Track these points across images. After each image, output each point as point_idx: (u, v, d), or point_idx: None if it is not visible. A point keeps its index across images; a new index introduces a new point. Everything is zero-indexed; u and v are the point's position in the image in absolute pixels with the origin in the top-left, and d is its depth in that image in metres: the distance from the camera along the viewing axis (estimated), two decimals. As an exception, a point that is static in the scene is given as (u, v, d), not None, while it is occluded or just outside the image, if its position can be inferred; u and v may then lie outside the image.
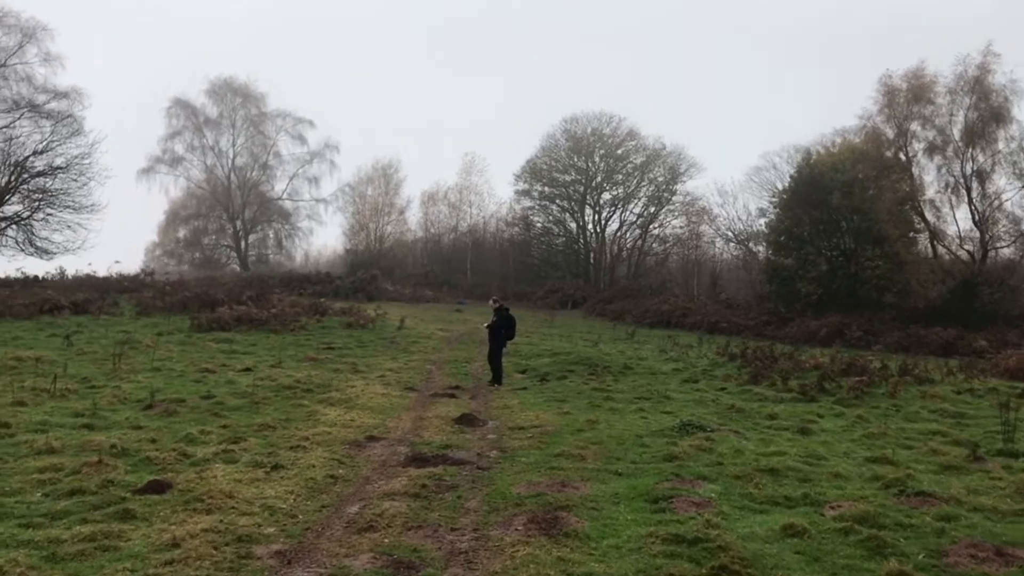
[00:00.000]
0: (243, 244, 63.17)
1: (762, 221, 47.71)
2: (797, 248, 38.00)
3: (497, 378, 16.76)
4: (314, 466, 8.58)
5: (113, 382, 14.29)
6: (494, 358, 16.90)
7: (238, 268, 60.00)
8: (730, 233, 51.35)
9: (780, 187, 44.73)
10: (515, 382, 17.34)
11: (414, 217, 62.59)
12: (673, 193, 54.11)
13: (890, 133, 40.94)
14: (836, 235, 38.14)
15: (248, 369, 17.03)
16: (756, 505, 8.06)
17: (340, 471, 8.60)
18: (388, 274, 50.47)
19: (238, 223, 62.90)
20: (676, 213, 54.36)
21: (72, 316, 27.46)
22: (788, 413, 13.79)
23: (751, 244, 50.66)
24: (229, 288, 35.94)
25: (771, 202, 45.41)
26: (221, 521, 6.51)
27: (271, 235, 65.99)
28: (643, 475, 8.87)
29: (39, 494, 7.16)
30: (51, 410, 11.06)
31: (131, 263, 69.17)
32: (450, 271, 55.28)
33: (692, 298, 44.07)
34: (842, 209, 36.43)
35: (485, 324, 17.70)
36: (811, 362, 20.43)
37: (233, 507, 6.93)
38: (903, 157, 40.70)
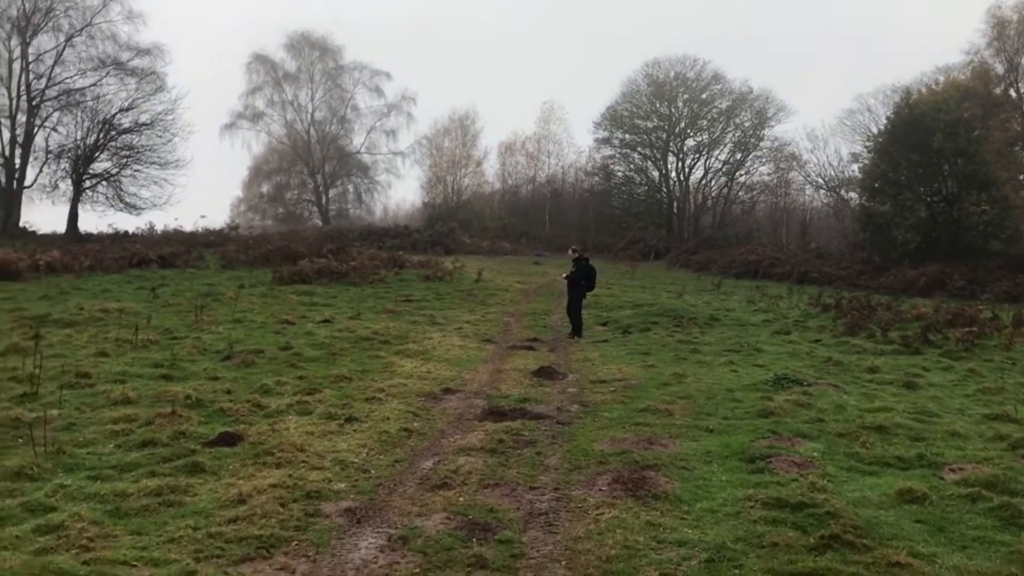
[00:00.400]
0: (323, 199, 63.88)
1: (855, 167, 45.42)
2: (894, 194, 35.88)
3: (577, 330, 16.21)
4: (388, 418, 8.25)
5: (194, 333, 14.35)
6: (573, 310, 16.33)
7: (319, 222, 60.80)
8: (820, 180, 49.03)
9: (875, 130, 42.27)
10: (596, 334, 16.76)
11: (491, 168, 62.10)
12: (760, 139, 51.84)
13: (999, 68, 38.08)
14: (937, 179, 35.78)
15: (327, 321, 16.94)
16: (864, 466, 7.33)
17: (415, 424, 8.26)
18: (466, 227, 50.22)
19: (318, 178, 63.56)
20: (764, 160, 52.14)
21: (159, 269, 28.13)
22: (890, 366, 12.84)
23: (843, 191, 48.34)
24: (310, 242, 36.29)
25: (865, 146, 43.01)
26: (290, 476, 6.23)
27: (350, 189, 66.58)
28: (736, 432, 8.22)
29: (111, 445, 7.04)
30: (131, 361, 11.08)
31: (216, 218, 71.11)
32: (528, 223, 54.65)
33: (781, 248, 42.32)
34: (944, 152, 34.05)
35: (563, 275, 17.12)
36: (912, 312, 19.19)
37: (304, 461, 6.66)
38: (1013, 94, 37.85)
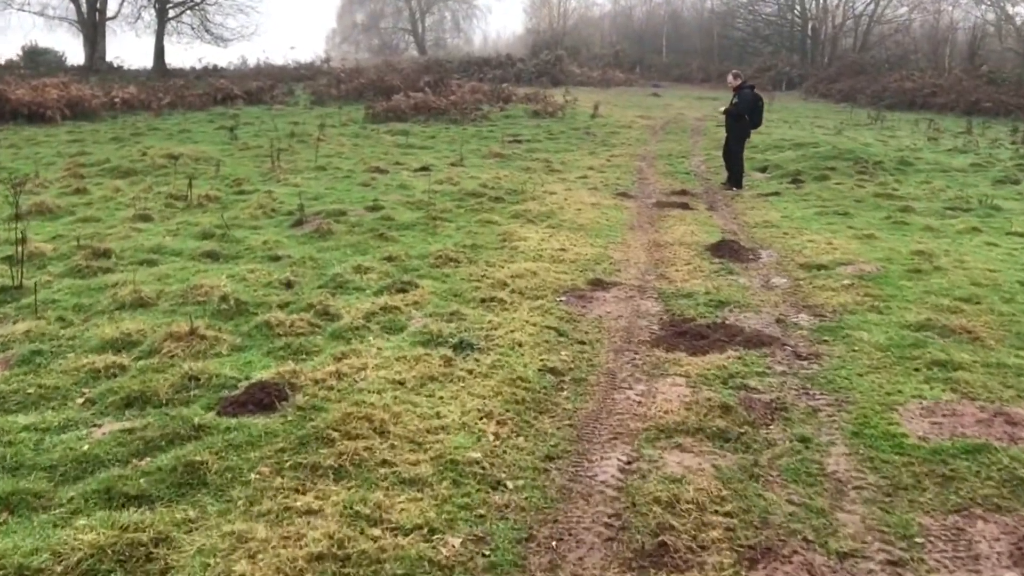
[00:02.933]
0: (420, 27, 59.60)
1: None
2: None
3: (736, 179, 12.83)
4: (520, 345, 5.16)
5: (267, 185, 11.79)
6: (733, 153, 12.86)
7: (415, 53, 56.92)
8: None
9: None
10: (757, 184, 13.32)
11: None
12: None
13: None
14: None
15: (425, 168, 14.10)
16: None
17: (563, 356, 5.09)
18: (573, 55, 45.53)
19: (414, 3, 59.03)
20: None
21: (245, 107, 25.70)
22: None
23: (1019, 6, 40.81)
24: (405, 74, 33.09)
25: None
26: (354, 520, 3.14)
27: (448, 16, 61.93)
28: None
29: (80, 400, 4.28)
30: (176, 228, 8.54)
31: (311, 50, 68.02)
32: (642, 50, 49.32)
33: (942, 73, 36.26)
34: None
35: (721, 108, 13.47)
36: None
37: (384, 465, 3.58)
38: None
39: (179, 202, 10.04)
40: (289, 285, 6.31)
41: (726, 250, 7.94)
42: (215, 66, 35.97)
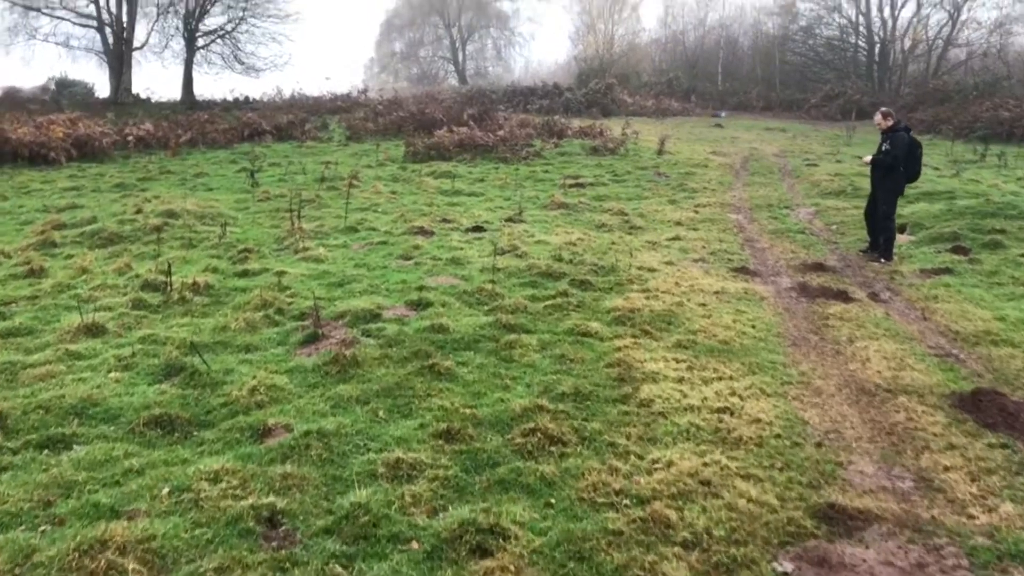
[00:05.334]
0: (460, 55, 57.46)
1: None
2: None
3: (885, 249, 9.86)
4: None
5: (281, 260, 9.16)
6: (882, 215, 9.88)
7: (455, 82, 54.72)
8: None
9: None
10: (905, 251, 10.34)
11: (651, 13, 53.56)
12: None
13: None
14: None
15: (479, 228, 11.40)
16: None
17: None
18: (623, 83, 42.82)
19: (454, 31, 56.94)
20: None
21: (274, 143, 23.34)
22: None
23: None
24: (447, 106, 30.68)
25: None
26: None
27: (489, 44, 59.71)
28: None
29: None
30: (132, 354, 5.73)
31: (350, 81, 66.49)
32: (695, 77, 46.40)
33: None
34: None
35: (863, 158, 10.49)
36: None
37: None
38: None
39: (155, 295, 7.36)
40: (273, 524, 3.50)
41: (990, 410, 4.97)
42: (246, 97, 33.92)
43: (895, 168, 9.64)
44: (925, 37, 43.56)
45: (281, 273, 8.26)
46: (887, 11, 43.95)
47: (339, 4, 67.98)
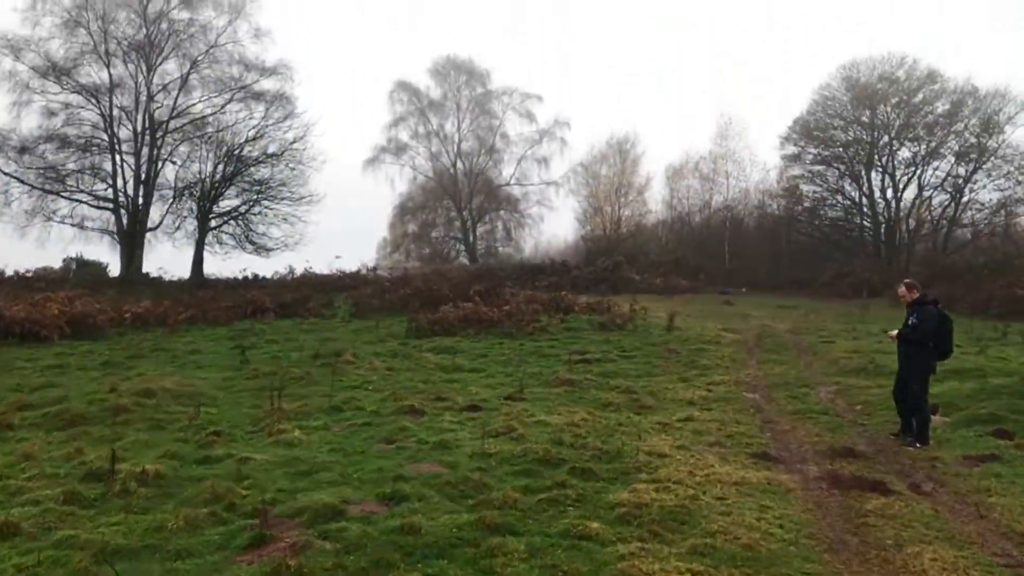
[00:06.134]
0: (471, 236, 58.70)
1: None
2: None
3: (921, 432, 8.90)
4: None
5: (251, 444, 8.31)
6: (913, 395, 8.99)
7: (466, 262, 55.56)
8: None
9: None
10: (942, 434, 9.37)
11: (657, 196, 55.04)
12: (998, 144, 41.60)
13: None
14: None
15: (475, 407, 10.58)
16: None
17: None
18: (631, 262, 43.19)
19: (465, 213, 58.50)
20: (1009, 169, 41.63)
21: (276, 320, 22.98)
22: None
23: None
24: (455, 282, 30.62)
25: None
26: None
27: (499, 226, 60.98)
28: None
29: None
30: (37, 562, 4.82)
31: (360, 260, 67.85)
32: (702, 256, 46.79)
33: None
34: None
35: (890, 332, 9.74)
36: None
37: None
38: None
39: (95, 487, 6.46)
40: None
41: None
42: (255, 275, 34.11)
43: (925, 344, 8.86)
44: (929, 217, 44.21)
45: (244, 460, 7.37)
46: (889, 192, 44.95)
47: (354, 189, 70.47)
